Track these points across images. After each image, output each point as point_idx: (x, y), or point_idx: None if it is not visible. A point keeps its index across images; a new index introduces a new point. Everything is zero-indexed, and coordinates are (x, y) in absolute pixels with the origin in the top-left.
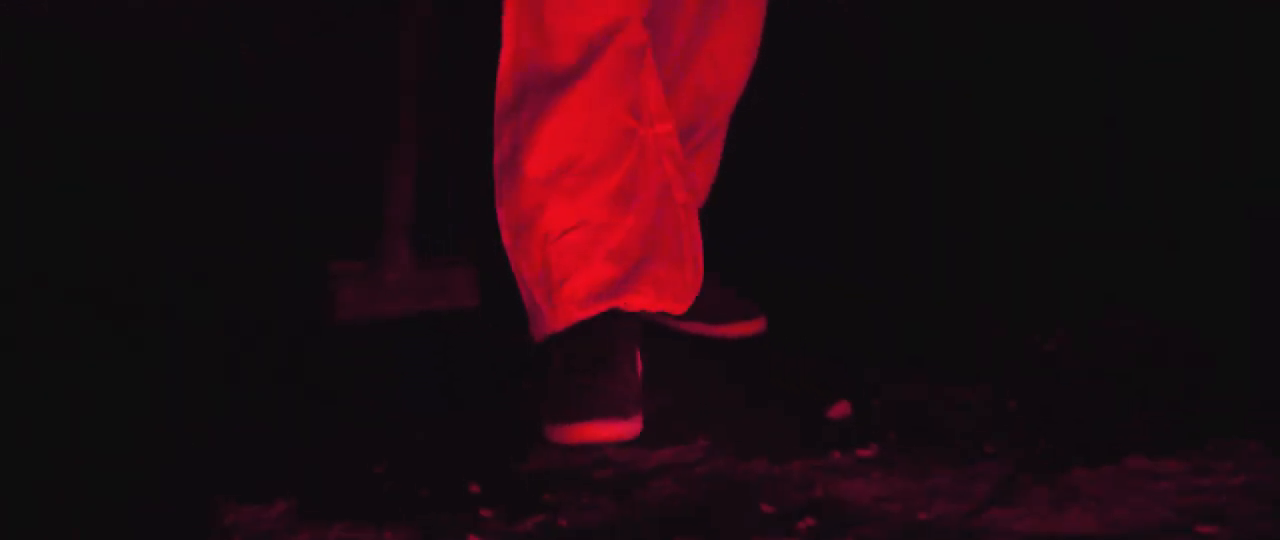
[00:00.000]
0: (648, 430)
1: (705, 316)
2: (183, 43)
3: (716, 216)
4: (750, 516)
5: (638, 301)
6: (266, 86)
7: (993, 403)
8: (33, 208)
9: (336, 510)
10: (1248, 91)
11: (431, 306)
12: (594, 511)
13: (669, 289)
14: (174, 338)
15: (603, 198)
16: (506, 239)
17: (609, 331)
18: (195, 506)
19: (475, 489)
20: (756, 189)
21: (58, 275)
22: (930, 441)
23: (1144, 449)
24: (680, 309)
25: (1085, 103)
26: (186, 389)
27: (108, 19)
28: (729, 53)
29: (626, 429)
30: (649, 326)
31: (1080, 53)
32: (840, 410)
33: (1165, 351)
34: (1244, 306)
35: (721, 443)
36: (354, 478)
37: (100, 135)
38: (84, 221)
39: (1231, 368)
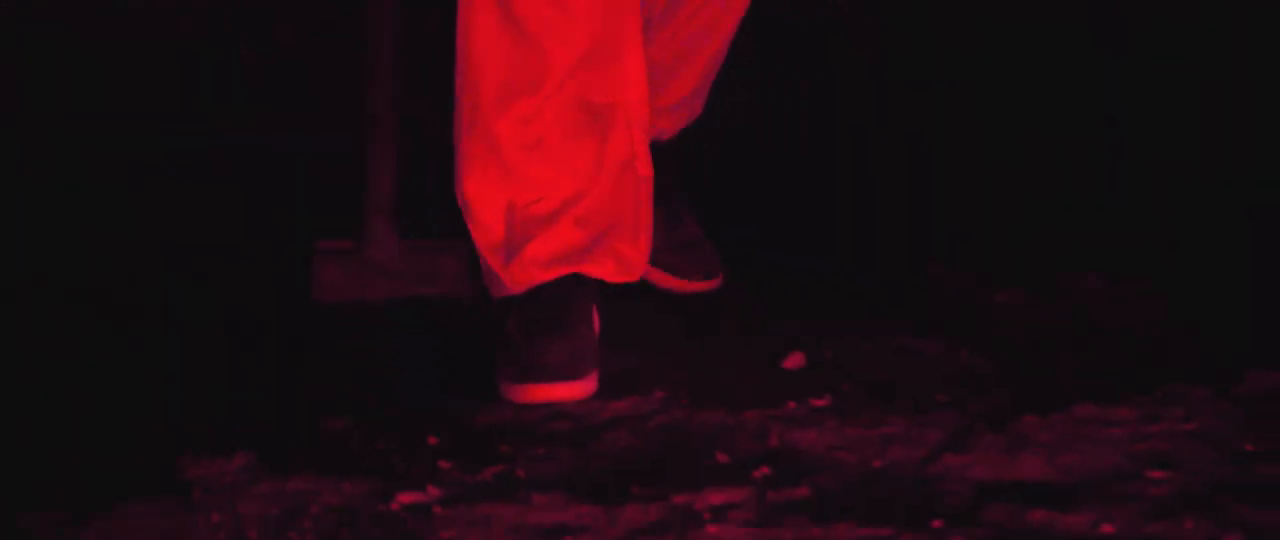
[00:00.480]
0: (604, 384)
1: (668, 266)
2: (183, 43)
3: (710, 215)
4: (706, 466)
5: (598, 271)
6: (266, 86)
7: (946, 354)
8: (32, 207)
9: (296, 463)
10: (1248, 91)
11: (417, 292)
12: (551, 462)
13: (625, 263)
14: (164, 327)
15: (572, 167)
16: (464, 205)
17: (566, 291)
18: (158, 462)
19: (434, 441)
20: (754, 188)
21: (55, 273)
22: (884, 392)
23: (1094, 397)
24: (629, 279)
25: (1085, 103)
26: (168, 367)
27: (108, 19)
28: None
29: (580, 388)
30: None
31: (1080, 53)
32: (795, 361)
33: (1117, 305)
34: (1201, 262)
35: (677, 395)
36: (314, 432)
37: (100, 135)
38: (83, 221)
39: (1184, 319)
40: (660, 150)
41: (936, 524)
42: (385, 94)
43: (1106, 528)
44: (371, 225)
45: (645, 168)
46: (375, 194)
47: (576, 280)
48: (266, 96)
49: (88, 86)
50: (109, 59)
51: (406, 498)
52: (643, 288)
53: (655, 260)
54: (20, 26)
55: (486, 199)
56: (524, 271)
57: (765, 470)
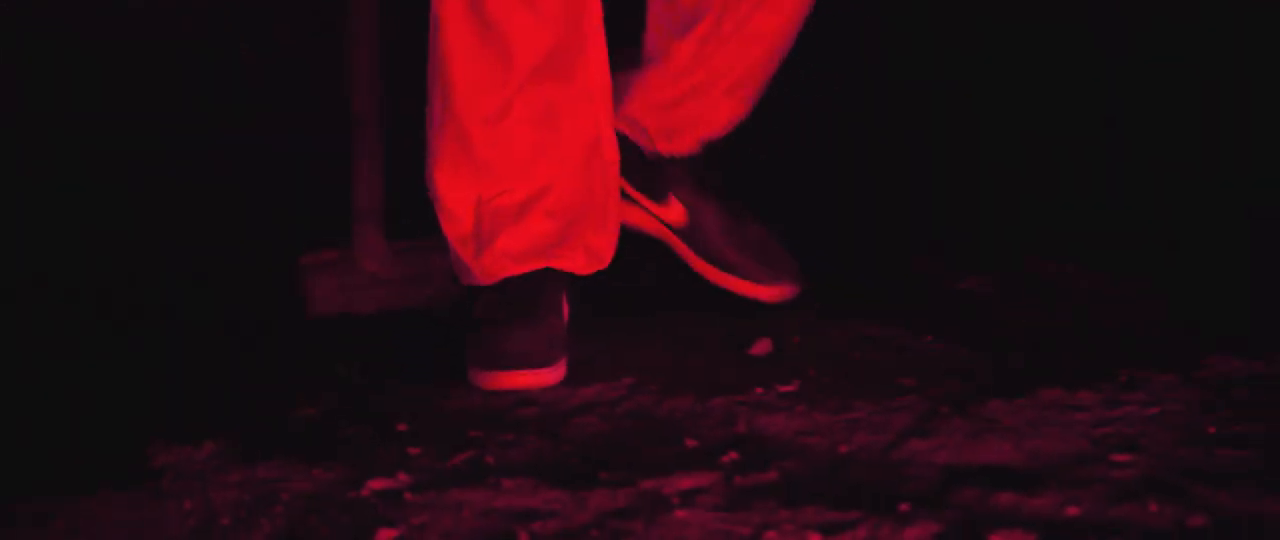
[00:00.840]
0: (573, 370)
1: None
2: (183, 43)
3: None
4: (674, 451)
5: (568, 264)
6: (266, 86)
7: (912, 340)
8: (31, 207)
9: (266, 450)
10: (1248, 91)
11: (410, 301)
12: (520, 448)
13: (595, 253)
14: (141, 322)
15: (540, 159)
16: (435, 197)
17: (535, 280)
18: (129, 451)
19: (403, 428)
20: (746, 184)
21: (49, 271)
22: (850, 377)
23: (1059, 381)
24: (599, 267)
25: (1085, 103)
26: (142, 359)
27: (108, 19)
28: None
29: (547, 376)
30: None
31: (1080, 53)
32: (762, 347)
33: (1083, 292)
34: (1170, 250)
35: (645, 382)
36: (284, 420)
37: (100, 135)
38: (80, 220)
39: (1150, 306)
40: (712, 147)
41: (903, 507)
42: (368, 96)
43: (1072, 510)
44: (359, 232)
45: (611, 151)
46: (361, 199)
47: (546, 270)
48: (266, 96)
49: (88, 86)
50: (109, 59)
51: (377, 484)
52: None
53: (723, 263)
54: (20, 26)
55: (456, 191)
56: (495, 264)
57: (733, 455)
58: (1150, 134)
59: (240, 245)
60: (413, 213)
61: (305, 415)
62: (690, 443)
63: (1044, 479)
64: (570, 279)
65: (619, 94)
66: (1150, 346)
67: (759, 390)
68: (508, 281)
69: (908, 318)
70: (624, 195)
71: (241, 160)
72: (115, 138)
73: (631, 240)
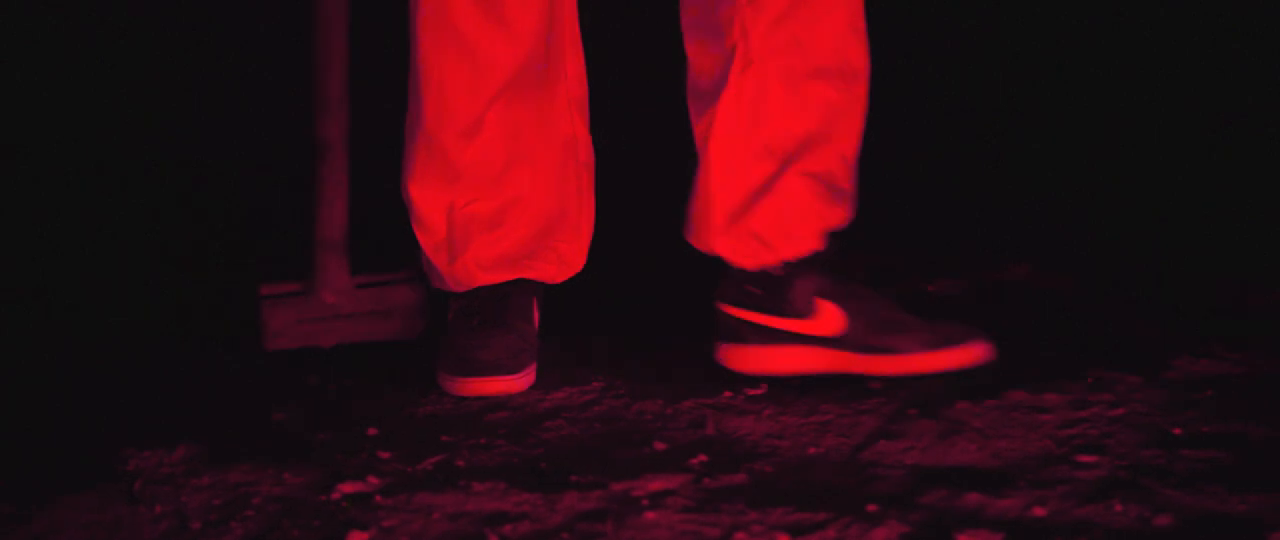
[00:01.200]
0: (543, 375)
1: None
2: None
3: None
4: (644, 454)
5: (540, 274)
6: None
7: None
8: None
9: (238, 454)
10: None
11: (371, 336)
12: (490, 452)
13: (566, 261)
14: (112, 326)
15: (514, 169)
16: (408, 203)
17: (506, 288)
18: (101, 455)
19: (374, 432)
20: None
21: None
22: (819, 380)
23: (1026, 383)
24: (571, 274)
25: (1085, 103)
26: (112, 363)
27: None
28: None
29: (516, 383)
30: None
31: (1080, 52)
32: None
33: (1049, 294)
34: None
35: (616, 385)
36: (255, 424)
37: (82, 141)
38: (56, 226)
39: (1117, 308)
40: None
41: (871, 508)
42: (336, 122)
43: (1038, 511)
44: (321, 263)
45: (586, 153)
46: (325, 228)
47: (518, 279)
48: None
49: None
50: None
51: (347, 487)
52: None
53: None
54: None
55: (428, 199)
56: (466, 273)
57: (702, 457)
58: (1120, 138)
59: (215, 258)
60: (377, 245)
61: (276, 421)
62: (659, 446)
63: (1011, 479)
64: (543, 285)
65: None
66: (1117, 348)
67: (728, 394)
68: (479, 290)
69: None
70: (762, 331)
71: (225, 162)
72: (93, 144)
73: (607, 241)
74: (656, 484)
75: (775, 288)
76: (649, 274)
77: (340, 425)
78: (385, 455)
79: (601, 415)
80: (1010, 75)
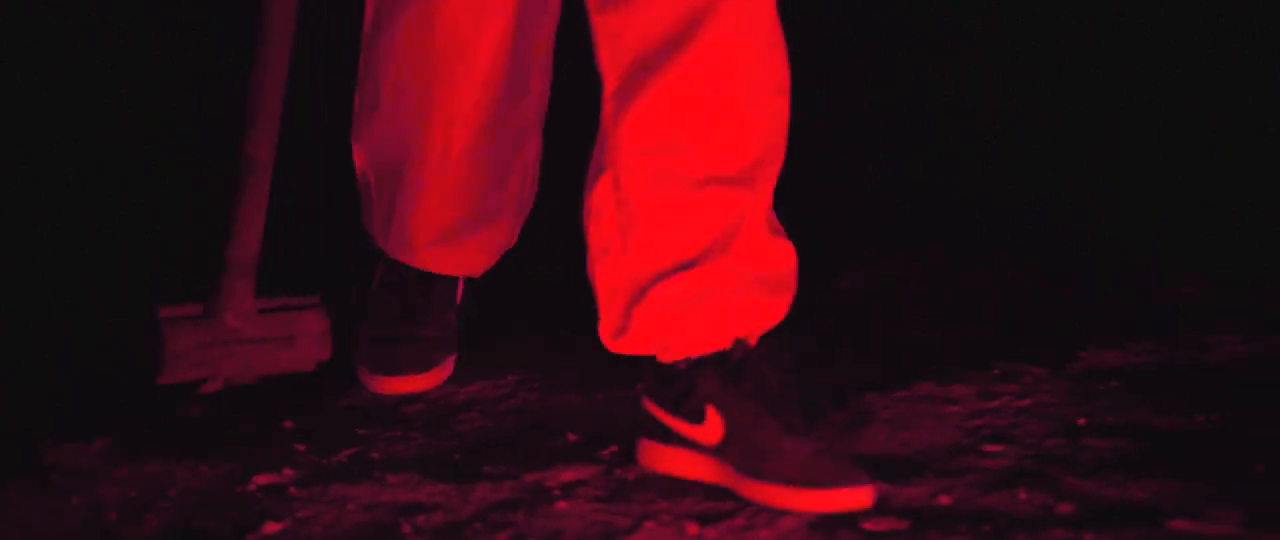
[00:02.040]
0: (459, 368)
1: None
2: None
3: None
4: (556, 445)
5: (461, 268)
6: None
7: (793, 335)
8: None
9: (154, 447)
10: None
11: (274, 367)
12: (405, 444)
13: (492, 253)
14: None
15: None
16: (359, 172)
17: (427, 280)
18: (17, 447)
19: (289, 425)
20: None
21: None
22: None
23: (934, 375)
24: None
25: (1085, 103)
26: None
27: None
28: None
29: (428, 380)
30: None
31: (1080, 52)
32: None
33: (958, 287)
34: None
35: (531, 379)
36: (172, 417)
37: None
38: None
39: (1026, 301)
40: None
41: None
42: (267, 140)
43: (943, 499)
44: (229, 285)
45: (532, 148)
46: (238, 248)
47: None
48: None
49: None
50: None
51: (263, 479)
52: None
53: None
54: None
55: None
56: (397, 245)
57: (614, 448)
58: (1120, 138)
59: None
60: (279, 267)
61: (192, 413)
62: (572, 437)
63: (918, 469)
64: (464, 282)
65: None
66: (1025, 340)
67: (640, 387)
68: (406, 268)
69: (788, 314)
70: (661, 428)
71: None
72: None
73: (527, 234)
74: (568, 474)
75: (677, 384)
76: (567, 268)
77: (256, 418)
78: (300, 447)
79: (515, 408)
80: (1010, 75)
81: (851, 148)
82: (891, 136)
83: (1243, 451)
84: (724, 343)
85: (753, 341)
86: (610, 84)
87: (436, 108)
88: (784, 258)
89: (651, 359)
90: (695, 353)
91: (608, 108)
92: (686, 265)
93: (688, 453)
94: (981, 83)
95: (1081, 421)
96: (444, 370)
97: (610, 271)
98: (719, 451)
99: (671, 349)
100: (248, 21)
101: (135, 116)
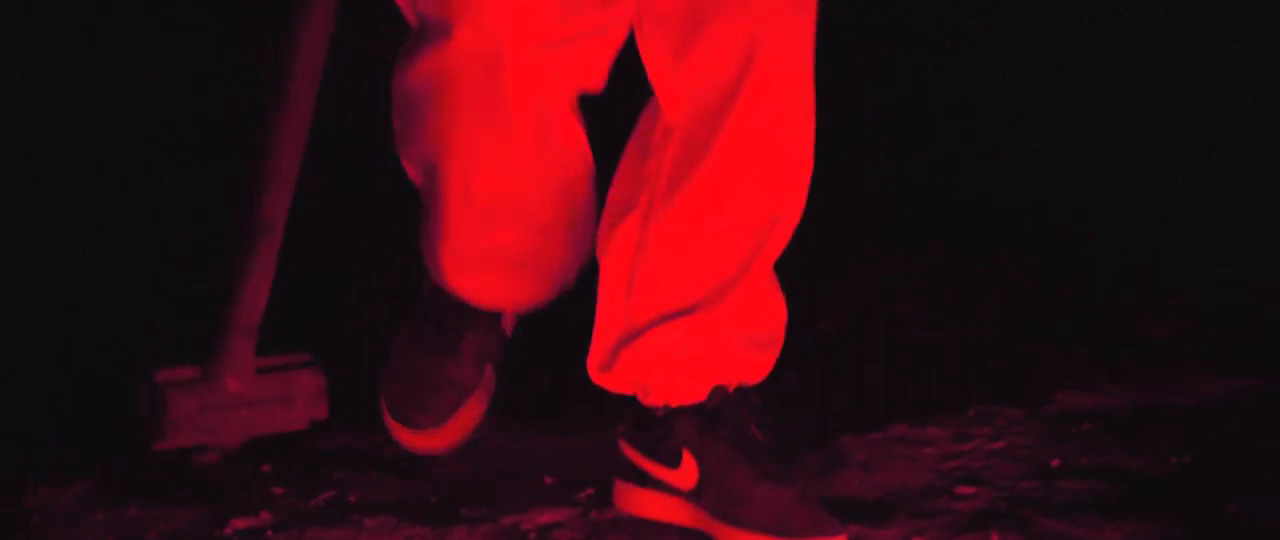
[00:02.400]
0: None
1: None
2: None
3: None
4: (534, 488)
5: (497, 302)
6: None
7: (769, 376)
8: None
9: (132, 491)
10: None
11: (271, 428)
12: (382, 487)
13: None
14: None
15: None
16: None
17: (460, 314)
18: None
19: (267, 468)
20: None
21: None
22: None
23: (909, 416)
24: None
25: (1085, 103)
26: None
27: None
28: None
29: (445, 437)
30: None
31: (1080, 52)
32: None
33: (932, 329)
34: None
35: (509, 421)
36: (149, 461)
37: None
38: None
39: (1001, 343)
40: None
41: None
42: (281, 200)
43: None
44: (231, 347)
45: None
46: (243, 312)
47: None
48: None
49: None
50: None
51: (240, 523)
52: None
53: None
54: None
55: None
56: (440, 272)
57: (590, 491)
58: (1120, 138)
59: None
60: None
61: (170, 457)
62: (548, 479)
63: (891, 510)
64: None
65: None
66: (999, 381)
67: (619, 429)
68: (449, 297)
69: None
70: (638, 471)
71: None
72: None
73: None
74: (545, 517)
75: (655, 429)
76: (548, 308)
77: (234, 461)
78: (278, 490)
79: (494, 451)
80: (1010, 75)
81: (851, 148)
82: (891, 136)
83: (1215, 493)
84: (702, 394)
85: (731, 389)
86: (677, 129)
87: (455, 151)
88: (775, 315)
89: (632, 399)
90: (675, 401)
91: (667, 154)
92: (682, 312)
93: (663, 496)
94: (981, 83)
95: (1055, 463)
96: (465, 418)
97: (611, 308)
98: (694, 496)
99: (653, 394)
100: (248, 21)
101: (135, 116)
